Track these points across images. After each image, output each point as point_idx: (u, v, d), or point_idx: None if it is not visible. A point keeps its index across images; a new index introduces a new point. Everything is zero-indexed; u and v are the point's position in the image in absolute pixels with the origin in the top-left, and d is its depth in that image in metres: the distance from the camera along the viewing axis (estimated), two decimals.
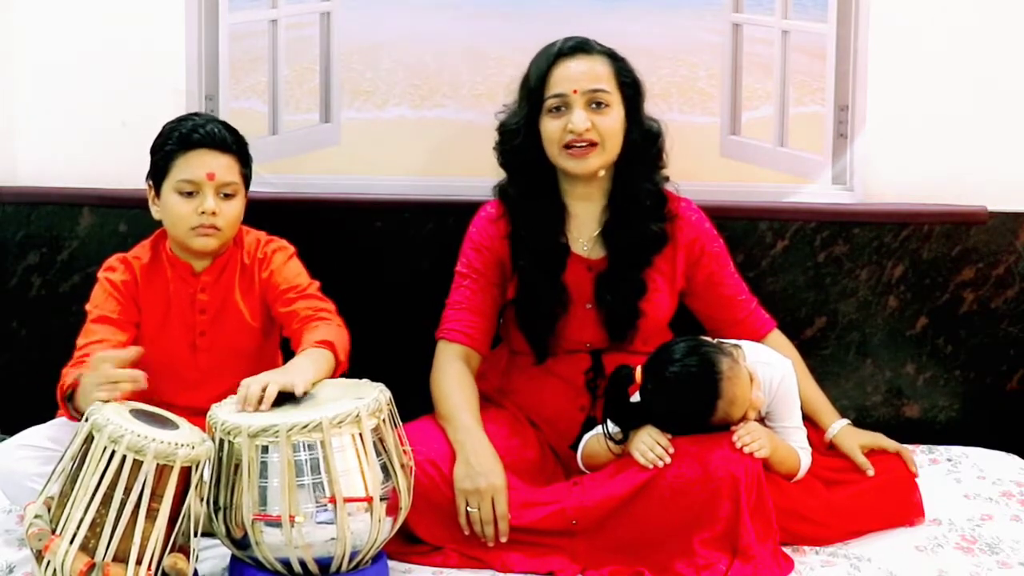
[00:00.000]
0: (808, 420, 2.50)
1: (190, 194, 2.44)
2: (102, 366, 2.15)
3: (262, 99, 2.94)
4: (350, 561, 2.12)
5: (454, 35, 2.90)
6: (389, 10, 2.91)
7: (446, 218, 2.74)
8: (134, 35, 2.91)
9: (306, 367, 2.26)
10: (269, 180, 2.89)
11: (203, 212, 2.43)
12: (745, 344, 2.43)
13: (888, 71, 2.86)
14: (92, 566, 1.96)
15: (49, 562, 1.96)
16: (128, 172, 2.58)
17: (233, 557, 2.17)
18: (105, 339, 2.41)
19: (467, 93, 2.90)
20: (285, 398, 2.20)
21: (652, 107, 2.62)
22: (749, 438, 2.27)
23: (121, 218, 2.87)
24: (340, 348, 2.37)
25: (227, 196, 2.46)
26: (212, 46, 2.91)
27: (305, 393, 2.21)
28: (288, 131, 2.96)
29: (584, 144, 2.45)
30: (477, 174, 2.62)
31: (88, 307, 2.49)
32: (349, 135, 2.95)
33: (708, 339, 2.39)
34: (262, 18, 2.93)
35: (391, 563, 2.25)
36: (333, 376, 2.34)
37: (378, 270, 2.91)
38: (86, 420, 2.04)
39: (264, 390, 2.15)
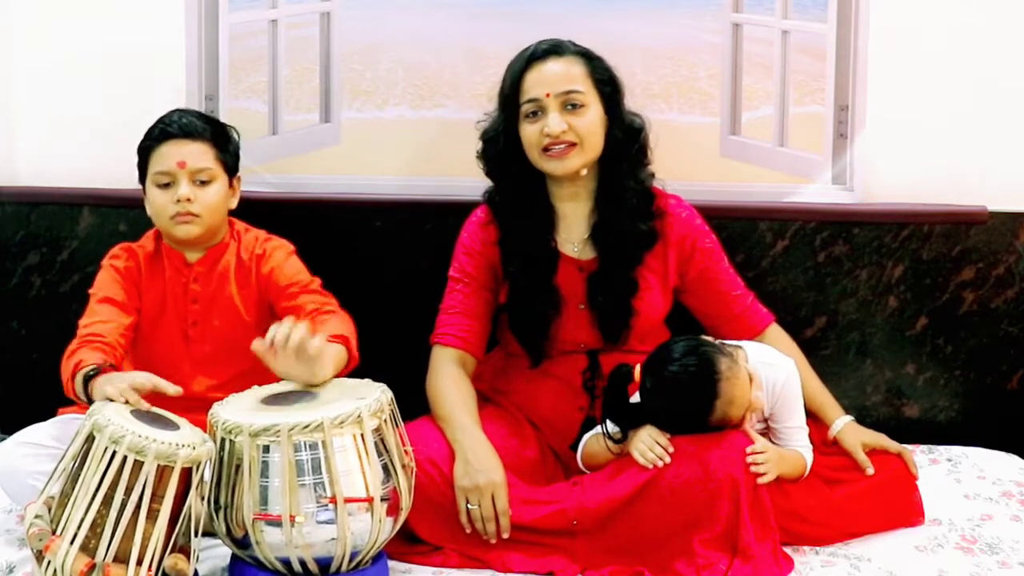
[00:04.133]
0: (811, 417, 2.49)
1: (167, 185, 2.51)
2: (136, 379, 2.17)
3: (262, 99, 2.94)
4: (350, 561, 2.12)
5: (454, 35, 2.90)
6: (389, 10, 2.91)
7: (446, 218, 2.74)
8: (134, 35, 2.91)
9: (327, 360, 2.27)
10: (269, 180, 2.89)
11: (178, 200, 2.48)
12: (748, 345, 2.43)
13: (888, 71, 2.85)
14: (92, 566, 1.96)
15: (49, 562, 1.96)
16: (128, 172, 2.58)
17: (233, 556, 2.18)
18: (109, 319, 2.46)
19: (467, 93, 2.90)
20: (288, 397, 2.21)
21: (652, 107, 2.62)
22: (763, 458, 2.26)
23: (121, 218, 2.88)
24: (352, 343, 2.40)
25: (203, 183, 2.51)
26: (212, 46, 2.91)
27: (307, 392, 2.22)
28: (288, 131, 2.96)
29: (563, 145, 2.44)
30: (477, 174, 2.61)
31: (91, 291, 2.53)
32: (349, 135, 2.95)
33: (708, 339, 2.39)
34: (262, 18, 2.93)
35: (391, 563, 2.25)
36: (346, 370, 2.36)
37: (378, 270, 2.90)
38: (87, 420, 2.04)
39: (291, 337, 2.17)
